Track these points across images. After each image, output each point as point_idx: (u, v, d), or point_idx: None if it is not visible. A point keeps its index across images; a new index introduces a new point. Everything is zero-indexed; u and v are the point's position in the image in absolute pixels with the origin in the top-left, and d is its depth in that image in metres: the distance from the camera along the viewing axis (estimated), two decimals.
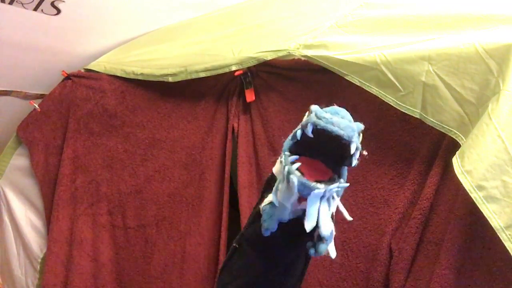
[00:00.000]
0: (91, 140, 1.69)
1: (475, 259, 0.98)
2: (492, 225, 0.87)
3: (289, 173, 0.67)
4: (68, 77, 1.71)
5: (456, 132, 0.99)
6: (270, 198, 0.75)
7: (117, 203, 1.65)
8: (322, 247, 0.78)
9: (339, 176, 0.74)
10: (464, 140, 0.96)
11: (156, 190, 1.59)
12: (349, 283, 1.22)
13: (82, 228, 1.68)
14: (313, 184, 0.67)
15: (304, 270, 0.92)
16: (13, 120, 1.86)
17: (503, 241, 0.87)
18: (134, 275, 1.62)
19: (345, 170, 0.75)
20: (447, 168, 1.01)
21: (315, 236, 0.78)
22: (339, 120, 0.68)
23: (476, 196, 0.89)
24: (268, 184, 0.82)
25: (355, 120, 0.71)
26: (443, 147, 1.05)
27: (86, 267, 1.68)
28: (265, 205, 0.75)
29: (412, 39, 1.06)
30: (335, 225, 1.32)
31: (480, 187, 0.88)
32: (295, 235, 0.77)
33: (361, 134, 0.77)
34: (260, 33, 1.40)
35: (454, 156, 0.94)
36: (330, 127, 0.67)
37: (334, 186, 0.68)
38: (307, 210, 0.68)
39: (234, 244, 0.91)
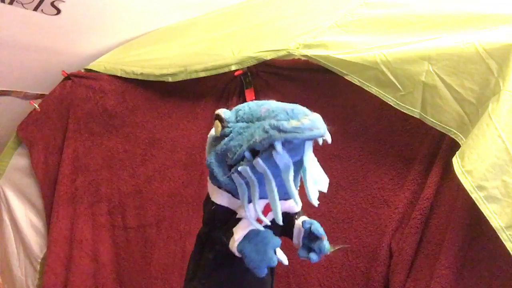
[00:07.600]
0: (91, 140, 1.69)
1: (475, 259, 0.98)
2: (493, 225, 0.87)
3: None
4: (68, 77, 1.71)
5: (456, 132, 0.99)
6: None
7: (117, 203, 1.65)
8: (324, 244, 0.82)
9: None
10: (464, 140, 0.96)
11: (156, 190, 1.59)
12: (349, 283, 1.22)
13: (82, 228, 1.68)
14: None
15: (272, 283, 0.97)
16: (13, 120, 1.86)
17: (503, 241, 0.86)
18: (134, 275, 1.62)
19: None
20: (447, 168, 1.01)
21: (312, 239, 0.83)
22: None
23: (477, 196, 0.89)
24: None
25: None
26: (443, 147, 1.05)
27: (86, 267, 1.68)
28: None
29: (412, 39, 1.06)
30: (334, 224, 1.33)
31: (481, 187, 0.88)
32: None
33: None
34: (259, 33, 1.40)
35: (454, 156, 0.94)
36: None
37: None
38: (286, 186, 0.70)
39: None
